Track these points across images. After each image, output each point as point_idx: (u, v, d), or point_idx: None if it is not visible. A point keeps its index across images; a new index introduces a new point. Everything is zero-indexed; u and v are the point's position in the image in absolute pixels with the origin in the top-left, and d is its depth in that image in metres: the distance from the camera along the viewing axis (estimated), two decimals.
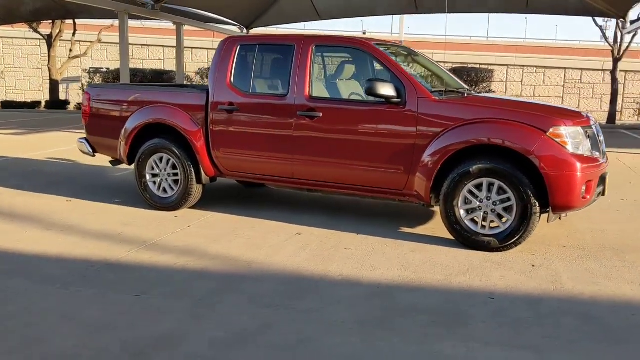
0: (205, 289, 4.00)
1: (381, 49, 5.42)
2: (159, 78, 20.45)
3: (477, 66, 20.53)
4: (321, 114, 5.35)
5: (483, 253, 4.83)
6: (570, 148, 4.65)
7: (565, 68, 23.21)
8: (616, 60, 18.79)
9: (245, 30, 19.39)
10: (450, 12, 17.34)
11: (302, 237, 5.25)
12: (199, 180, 6.08)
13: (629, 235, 5.49)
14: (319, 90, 5.56)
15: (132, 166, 6.47)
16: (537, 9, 16.61)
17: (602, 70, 22.58)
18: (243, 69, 5.85)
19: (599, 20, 19.37)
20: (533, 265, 4.55)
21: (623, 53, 18.65)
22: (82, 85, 22.68)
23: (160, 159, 6.17)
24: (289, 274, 4.32)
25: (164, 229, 5.52)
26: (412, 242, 5.14)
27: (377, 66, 5.45)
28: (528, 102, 5.86)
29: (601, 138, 5.11)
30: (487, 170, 4.77)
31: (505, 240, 4.79)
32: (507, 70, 23.28)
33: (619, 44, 18.74)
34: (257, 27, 19.35)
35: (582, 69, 23.78)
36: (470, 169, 4.82)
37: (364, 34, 30.07)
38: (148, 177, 6.23)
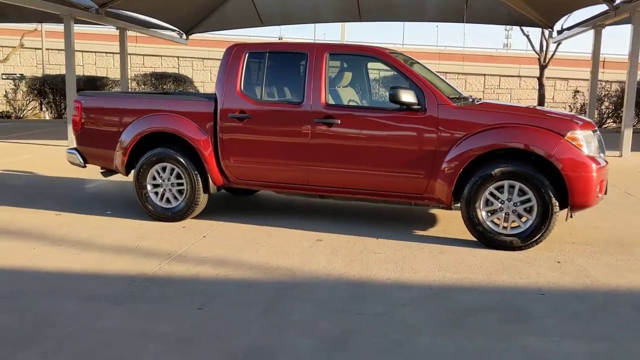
0: (264, 298, 3.98)
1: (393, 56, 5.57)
2: (92, 85, 19.68)
3: None
4: (339, 121, 5.42)
5: (507, 252, 5.05)
6: (585, 150, 4.97)
7: (484, 74, 24.55)
8: (542, 67, 19.95)
9: (184, 36, 19.04)
10: (390, 21, 17.79)
11: (324, 244, 5.29)
12: (206, 190, 5.98)
13: (621, 230, 5.91)
14: (335, 97, 5.62)
15: (128, 177, 6.29)
16: (474, 18, 17.33)
17: (519, 76, 24.06)
18: (253, 77, 5.83)
19: (525, 29, 20.46)
20: (558, 262, 4.82)
21: (549, 60, 19.83)
22: (6, 92, 21.42)
23: (163, 169, 6.02)
24: (338, 280, 4.36)
25: (179, 240, 5.40)
26: (433, 244, 5.30)
27: (393, 74, 5.57)
28: (537, 108, 6.13)
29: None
30: (509, 173, 5.01)
31: (527, 239, 5.04)
32: None
33: (544, 52, 19.90)
34: (197, 32, 19.05)
35: (500, 75, 25.31)
36: (492, 172, 5.04)
37: (280, 39, 30.28)
38: (149, 187, 6.06)
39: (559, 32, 17.46)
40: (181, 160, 5.89)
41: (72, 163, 6.62)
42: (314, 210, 6.65)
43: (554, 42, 18.04)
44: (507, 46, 46.56)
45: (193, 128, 5.89)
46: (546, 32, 19.37)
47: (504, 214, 5.10)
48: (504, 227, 5.12)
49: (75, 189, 7.87)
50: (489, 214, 5.15)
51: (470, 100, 5.74)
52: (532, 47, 20.18)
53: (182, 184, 5.98)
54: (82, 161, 6.45)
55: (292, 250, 5.10)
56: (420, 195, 5.37)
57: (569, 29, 16.09)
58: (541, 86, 20.07)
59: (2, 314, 3.69)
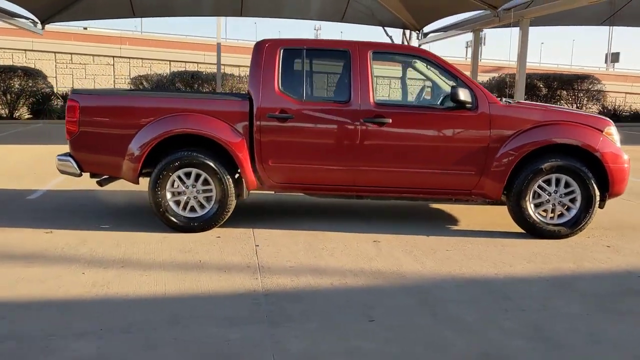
0: (410, 302, 3.86)
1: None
2: None
3: None
4: (390, 120, 5.38)
5: (556, 241, 5.42)
6: (618, 144, 5.51)
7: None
8: None
9: (39, 25, 17.12)
10: (273, 17, 17.74)
11: (385, 244, 5.24)
12: (238, 195, 5.56)
13: (619, 215, 6.60)
14: (382, 96, 5.55)
15: (127, 185, 5.64)
16: (352, 18, 17.94)
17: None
18: (291, 75, 5.54)
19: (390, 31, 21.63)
20: (608, 246, 5.30)
21: None
22: None
23: (187, 175, 5.47)
24: (457, 278, 4.35)
25: (236, 251, 4.98)
26: (484, 239, 5.50)
27: (437, 73, 5.64)
28: (564, 108, 6.50)
29: None
30: (558, 167, 5.37)
31: (573, 227, 5.45)
32: None
33: None
34: (56, 22, 17.25)
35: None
36: (543, 167, 5.37)
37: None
38: (169, 195, 5.47)
39: (425, 35, 18.70)
40: (210, 164, 5.40)
41: (63, 172, 5.72)
42: (321, 210, 6.51)
43: (423, 44, 19.24)
44: None
45: (226, 129, 5.43)
46: (410, 34, 20.69)
47: (550, 206, 5.46)
48: (551, 218, 5.48)
49: (31, 203, 6.80)
50: (537, 206, 5.47)
51: (505, 100, 6.00)
52: None
53: (208, 191, 5.48)
54: (77, 169, 5.60)
55: (365, 253, 4.97)
56: (469, 192, 5.54)
57: (439, 30, 17.30)
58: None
59: (176, 349, 3.15)
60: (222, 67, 20.01)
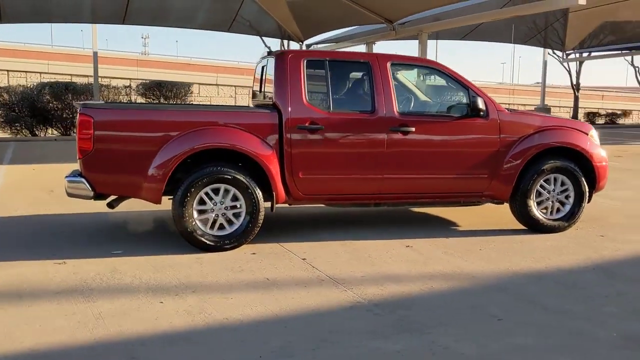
0: (524, 297, 4.11)
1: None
2: None
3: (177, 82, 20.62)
4: (414, 128, 5.61)
5: (557, 234, 5.99)
6: (598, 145, 6.24)
7: (234, 86, 25.85)
8: None
9: None
10: (158, 26, 17.06)
11: (419, 248, 5.44)
12: (269, 209, 5.44)
13: (604, 208, 7.34)
14: (404, 105, 5.75)
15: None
16: (239, 29, 17.86)
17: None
18: (316, 86, 5.54)
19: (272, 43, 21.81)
20: (602, 236, 5.98)
21: None
22: None
23: (215, 191, 5.24)
24: (519, 273, 4.68)
25: (290, 266, 4.88)
26: (496, 237, 5.91)
27: (448, 83, 5.96)
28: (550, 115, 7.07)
29: None
30: (556, 167, 5.96)
31: (569, 221, 6.07)
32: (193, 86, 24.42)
33: None
34: None
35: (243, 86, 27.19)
36: (544, 168, 5.93)
37: None
38: (196, 214, 5.20)
39: (308, 47, 19.13)
40: (241, 179, 5.22)
41: (72, 195, 5.16)
42: (329, 220, 6.55)
43: None
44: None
45: (256, 142, 5.29)
46: (288, 44, 21.02)
47: (550, 203, 6.03)
48: (550, 214, 6.05)
49: (23, 228, 6.01)
50: (538, 205, 6.01)
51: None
52: None
53: (237, 207, 5.30)
54: (91, 191, 5.09)
55: (412, 257, 5.13)
56: (480, 194, 5.93)
57: (331, 41, 17.87)
58: None
59: None
60: (101, 78, 18.81)
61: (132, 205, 6.10)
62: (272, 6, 16.33)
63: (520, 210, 5.97)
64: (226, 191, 5.24)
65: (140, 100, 18.98)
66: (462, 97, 5.80)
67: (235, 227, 5.29)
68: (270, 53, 6.08)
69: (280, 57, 5.49)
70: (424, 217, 6.83)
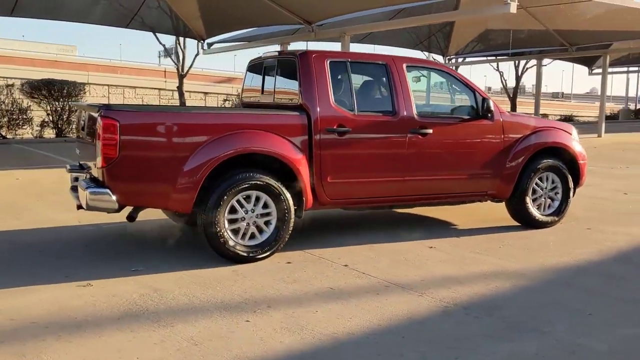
0: (595, 292, 4.32)
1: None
2: None
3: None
4: (432, 130, 5.69)
5: (550, 229, 6.34)
6: (579, 144, 6.70)
7: (135, 87, 24.54)
8: (182, 77, 20.81)
9: None
10: (51, 19, 15.68)
11: (443, 248, 5.53)
12: (299, 215, 5.25)
13: (593, 203, 7.84)
14: (419, 107, 5.77)
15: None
16: (142, 25, 16.95)
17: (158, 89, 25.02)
18: (340, 87, 5.42)
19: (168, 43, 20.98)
20: (589, 229, 6.42)
21: (187, 71, 20.82)
22: None
23: (247, 198, 4.96)
24: (559, 268, 4.91)
25: (341, 274, 4.73)
26: (501, 234, 6.10)
27: (456, 86, 6.07)
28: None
29: None
30: (549, 166, 6.32)
31: (559, 216, 6.46)
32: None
33: (181, 62, 20.82)
34: None
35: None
36: (540, 166, 6.26)
37: None
38: (227, 224, 4.89)
39: (210, 45, 18.65)
40: (273, 184, 4.98)
41: (93, 208, 4.60)
42: (338, 225, 6.44)
43: (206, 54, 19.02)
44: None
45: (287, 146, 5.07)
46: (183, 42, 20.38)
47: (543, 200, 6.39)
48: (543, 210, 6.40)
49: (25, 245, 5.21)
50: (534, 201, 6.34)
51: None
52: (170, 56, 20.76)
53: (268, 214, 5.05)
54: (116, 203, 4.58)
55: (445, 258, 5.20)
56: (485, 193, 6.13)
57: (243, 40, 17.48)
58: (181, 94, 20.88)
59: None
60: None
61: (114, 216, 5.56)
62: (177, 2, 15.69)
63: (519, 207, 6.25)
64: (257, 198, 4.96)
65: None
66: (468, 100, 5.94)
67: (266, 235, 5.02)
68: (281, 53, 5.83)
69: (304, 57, 5.29)
70: (416, 217, 6.91)
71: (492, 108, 5.85)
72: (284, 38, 15.54)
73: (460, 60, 27.74)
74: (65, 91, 17.18)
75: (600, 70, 30.86)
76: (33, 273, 4.65)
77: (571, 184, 6.44)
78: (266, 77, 6.03)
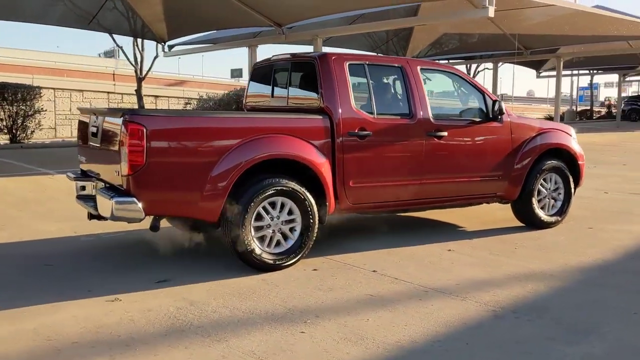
0: (630, 290, 4.39)
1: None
2: None
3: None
4: (447, 133, 5.68)
5: (554, 229, 6.44)
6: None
7: (82, 90, 23.65)
8: (140, 80, 20.25)
9: None
10: (7, 20, 14.95)
11: (461, 251, 5.52)
12: (321, 221, 5.14)
13: (581, 203, 7.95)
14: (435, 110, 5.74)
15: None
16: (100, 27, 16.44)
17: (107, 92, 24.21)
18: (359, 90, 5.34)
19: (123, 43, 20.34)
20: (590, 228, 6.56)
21: (146, 73, 20.28)
22: None
23: (272, 204, 4.83)
24: (583, 267, 4.98)
25: (372, 280, 4.64)
26: (511, 234, 6.14)
27: (466, 89, 6.08)
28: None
29: None
30: (553, 167, 6.42)
31: (561, 216, 6.57)
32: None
33: (139, 65, 20.27)
34: None
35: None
36: (544, 167, 6.36)
37: None
38: (253, 231, 4.75)
39: (171, 47, 18.25)
40: (298, 190, 4.87)
41: (119, 219, 4.36)
42: (348, 230, 6.35)
43: (168, 56, 18.56)
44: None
45: (312, 150, 4.96)
46: (141, 44, 19.90)
47: (547, 200, 6.49)
48: (547, 210, 6.51)
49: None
50: (539, 202, 6.43)
51: None
52: (127, 59, 20.17)
53: (292, 220, 4.93)
54: (143, 212, 4.36)
55: (467, 260, 5.19)
56: (494, 194, 6.17)
57: (208, 42, 17.15)
58: (140, 98, 20.33)
59: None
60: None
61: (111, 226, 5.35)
62: (140, 3, 15.26)
63: (525, 208, 6.32)
64: (282, 204, 4.83)
65: None
66: (477, 102, 5.97)
67: (291, 242, 4.90)
68: (295, 55, 5.71)
69: (325, 60, 5.18)
70: (421, 221, 6.89)
71: (503, 110, 5.89)
72: (252, 40, 15.34)
73: None
74: (19, 95, 16.43)
75: (548, 73, 32.10)
76: (52, 288, 4.38)
77: (572, 185, 6.55)
78: (277, 80, 5.89)
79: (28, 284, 4.52)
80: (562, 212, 6.52)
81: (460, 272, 4.84)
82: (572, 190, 6.57)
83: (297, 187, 4.81)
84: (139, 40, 19.76)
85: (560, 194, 6.52)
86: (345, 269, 4.89)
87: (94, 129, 4.94)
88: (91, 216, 5.07)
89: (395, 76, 5.60)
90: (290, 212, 4.87)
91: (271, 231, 4.78)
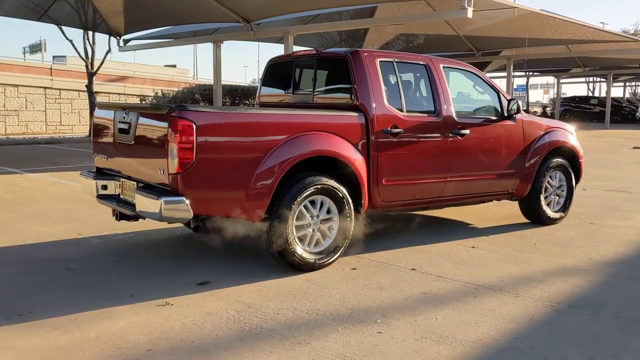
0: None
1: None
2: None
3: None
4: (469, 131, 5.74)
5: (559, 225, 6.62)
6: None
7: (17, 85, 22.58)
8: (91, 75, 19.52)
9: None
10: None
11: (484, 247, 5.59)
12: (356, 220, 5.09)
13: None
14: (457, 108, 5.77)
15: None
16: (54, 19, 15.72)
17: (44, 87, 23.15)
18: (389, 87, 5.32)
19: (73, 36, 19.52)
20: (592, 224, 6.78)
21: (98, 69, 19.56)
22: None
23: (312, 203, 4.75)
24: (608, 261, 5.13)
25: (418, 279, 4.63)
26: (522, 230, 6.28)
27: (480, 87, 6.15)
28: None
29: None
30: (558, 164, 6.61)
31: (566, 212, 6.77)
32: None
33: (90, 59, 19.54)
34: None
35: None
36: (551, 165, 6.53)
37: None
38: (295, 231, 4.65)
39: (126, 42, 17.70)
40: (337, 188, 4.81)
41: (167, 219, 4.15)
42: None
43: (122, 51, 17.96)
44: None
45: (350, 148, 4.91)
46: (92, 36, 19.21)
47: (552, 197, 6.67)
48: (553, 207, 6.68)
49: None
50: (545, 199, 6.60)
51: None
52: (78, 53, 19.38)
53: (330, 219, 4.87)
54: (191, 212, 4.18)
55: (494, 257, 5.26)
56: (507, 192, 6.28)
57: (166, 37, 16.66)
58: (91, 94, 19.59)
59: None
60: None
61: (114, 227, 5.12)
62: None
63: (533, 205, 6.46)
64: (321, 203, 4.75)
65: None
66: (493, 101, 6.05)
67: (329, 241, 4.83)
68: (322, 52, 5.61)
69: (358, 56, 5.12)
70: (429, 219, 6.93)
71: (520, 108, 5.99)
72: (217, 36, 15.04)
73: None
74: None
75: (491, 75, 33.02)
76: (90, 294, 4.14)
77: (574, 182, 6.75)
78: (298, 77, 5.77)
79: (61, 289, 4.25)
80: (565, 208, 6.71)
81: (495, 268, 4.89)
82: (574, 186, 6.76)
83: (336, 185, 4.74)
84: (90, 33, 19.06)
85: (563, 190, 6.71)
86: (384, 268, 4.85)
87: (122, 125, 4.68)
88: (120, 216, 4.82)
89: (420, 74, 5.59)
90: (328, 211, 4.78)
91: (311, 230, 4.69)
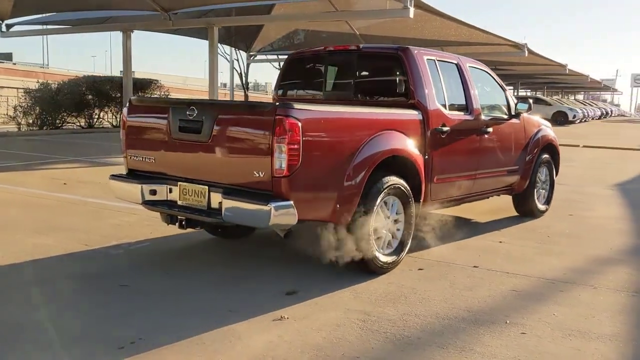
0: None
1: None
2: None
3: None
4: (491, 130, 5.93)
5: (545, 216, 7.03)
6: None
7: None
8: None
9: None
10: None
11: (510, 242, 5.80)
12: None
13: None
14: (481, 107, 5.88)
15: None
16: None
17: None
18: (436, 85, 5.32)
19: None
20: (571, 215, 7.26)
21: None
22: None
23: (385, 204, 4.65)
24: (630, 258, 5.57)
25: (488, 279, 4.69)
26: (521, 224, 6.63)
27: (492, 86, 6.32)
28: None
29: None
30: (546, 160, 7.02)
31: (549, 204, 7.22)
32: None
33: None
34: None
35: None
36: (542, 161, 6.93)
37: None
38: (373, 233, 4.51)
39: (9, 27, 16.02)
40: (404, 188, 4.74)
41: (275, 226, 3.83)
42: None
43: (3, 37, 16.09)
44: None
45: (414, 146, 4.86)
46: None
47: (542, 191, 7.07)
48: (540, 200, 7.08)
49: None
50: (536, 193, 6.98)
51: None
52: None
53: (397, 220, 4.80)
54: (296, 218, 3.89)
55: (530, 252, 5.45)
56: (510, 187, 6.56)
57: (65, 23, 15.20)
58: None
59: None
60: None
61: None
62: None
63: (528, 199, 6.79)
64: (393, 203, 4.66)
65: None
66: (504, 99, 6.28)
67: (396, 242, 4.75)
68: (365, 47, 5.43)
69: (410, 53, 5.05)
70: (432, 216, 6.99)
71: (531, 106, 6.26)
72: (127, 25, 14.01)
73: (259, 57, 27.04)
74: None
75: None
76: (184, 311, 3.70)
77: (554, 176, 7.21)
78: (334, 73, 5.57)
79: (139, 311, 3.74)
80: (549, 201, 7.14)
81: (542, 262, 5.06)
82: (554, 180, 7.21)
83: (404, 184, 4.66)
84: None
85: (546, 184, 7.13)
86: (448, 267, 4.84)
87: (186, 124, 4.20)
88: (172, 220, 4.35)
89: (454, 72, 5.63)
90: (397, 212, 4.69)
91: (385, 232, 4.56)
